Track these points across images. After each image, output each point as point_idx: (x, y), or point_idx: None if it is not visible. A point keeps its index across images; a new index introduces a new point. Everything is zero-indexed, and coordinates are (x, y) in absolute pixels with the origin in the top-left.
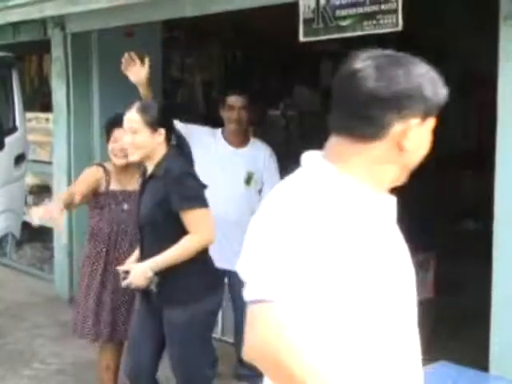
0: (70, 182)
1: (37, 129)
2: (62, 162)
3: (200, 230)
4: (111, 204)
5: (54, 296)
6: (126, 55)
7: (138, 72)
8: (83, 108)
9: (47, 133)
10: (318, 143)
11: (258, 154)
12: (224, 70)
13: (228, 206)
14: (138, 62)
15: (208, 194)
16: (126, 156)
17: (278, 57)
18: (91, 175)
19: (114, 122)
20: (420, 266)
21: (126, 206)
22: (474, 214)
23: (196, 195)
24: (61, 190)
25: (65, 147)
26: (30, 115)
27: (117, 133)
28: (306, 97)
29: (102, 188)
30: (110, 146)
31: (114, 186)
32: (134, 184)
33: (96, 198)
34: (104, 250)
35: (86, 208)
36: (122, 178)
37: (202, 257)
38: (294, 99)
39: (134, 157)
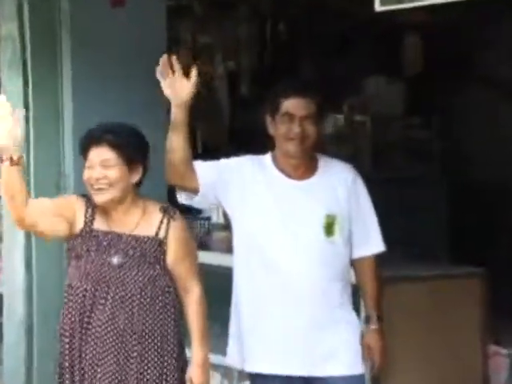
0: (28, 232)
1: None
2: None
3: None
4: (90, 251)
5: None
6: (164, 58)
7: (177, 86)
8: (48, 111)
9: None
10: (399, 160)
11: (337, 182)
12: (259, 55)
13: (300, 274)
14: (178, 71)
15: (268, 258)
16: (106, 189)
17: (340, 34)
18: (66, 201)
19: (91, 136)
20: None
21: (116, 260)
22: None
23: None
24: (15, 238)
25: None
26: None
27: (92, 153)
28: (381, 92)
29: (79, 227)
30: (85, 173)
31: (98, 226)
32: (128, 224)
33: (71, 243)
34: (73, 322)
35: (52, 262)
36: (112, 215)
37: None
38: (363, 96)
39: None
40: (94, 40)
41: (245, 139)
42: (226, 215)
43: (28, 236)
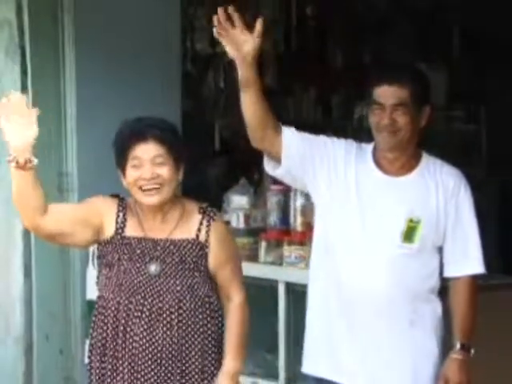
0: (27, 234)
1: None
2: (11, 198)
3: None
4: (122, 260)
5: None
6: (220, 12)
7: (240, 41)
8: (49, 103)
9: None
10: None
11: (434, 185)
12: (284, 39)
13: (370, 280)
14: (239, 24)
15: (334, 258)
16: (159, 189)
17: (374, 14)
18: (91, 206)
19: (133, 131)
20: None
21: (153, 268)
22: None
23: None
24: (12, 242)
25: None
26: None
27: (140, 150)
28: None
29: (109, 233)
30: (131, 174)
31: (131, 232)
32: (165, 228)
33: (101, 249)
34: (104, 338)
35: (55, 269)
36: (149, 220)
37: None
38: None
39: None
40: (100, 24)
41: None
42: (247, 220)
43: (27, 239)
